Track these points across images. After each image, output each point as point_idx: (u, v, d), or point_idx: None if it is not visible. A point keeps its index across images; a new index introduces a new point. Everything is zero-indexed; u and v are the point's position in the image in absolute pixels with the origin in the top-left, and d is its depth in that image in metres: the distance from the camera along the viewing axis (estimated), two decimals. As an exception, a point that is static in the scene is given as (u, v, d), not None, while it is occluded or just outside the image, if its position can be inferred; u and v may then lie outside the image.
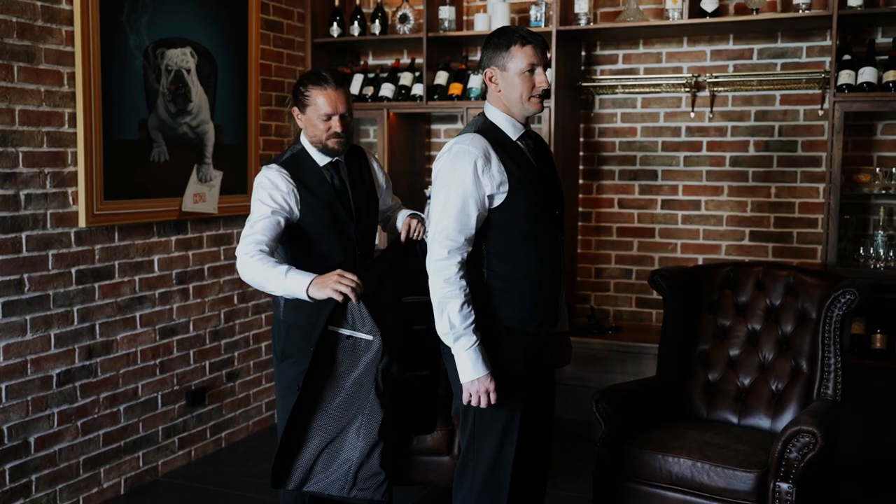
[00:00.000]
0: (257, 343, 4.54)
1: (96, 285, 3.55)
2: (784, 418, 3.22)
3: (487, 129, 2.45)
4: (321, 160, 2.74)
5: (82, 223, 3.43)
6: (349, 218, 2.75)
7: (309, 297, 2.36)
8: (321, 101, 2.65)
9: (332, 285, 2.31)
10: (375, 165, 2.94)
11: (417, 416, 2.80)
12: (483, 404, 2.36)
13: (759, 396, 3.32)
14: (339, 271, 2.35)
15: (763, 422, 3.27)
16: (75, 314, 3.46)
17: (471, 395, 2.36)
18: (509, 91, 2.44)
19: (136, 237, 3.73)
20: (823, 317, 3.20)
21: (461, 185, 2.35)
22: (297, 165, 2.71)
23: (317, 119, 2.67)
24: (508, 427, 2.41)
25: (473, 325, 2.35)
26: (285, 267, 2.41)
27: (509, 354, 2.43)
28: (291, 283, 2.38)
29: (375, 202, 2.89)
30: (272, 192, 2.61)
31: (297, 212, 2.65)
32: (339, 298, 2.32)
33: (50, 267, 3.34)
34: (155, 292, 3.85)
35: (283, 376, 2.77)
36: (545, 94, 2.48)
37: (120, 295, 3.66)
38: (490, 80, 2.47)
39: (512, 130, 2.48)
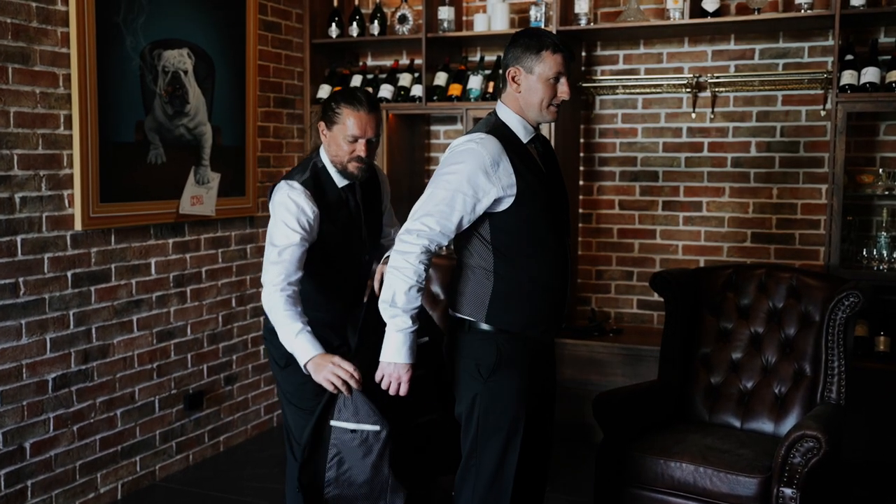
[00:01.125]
0: (256, 346, 4.50)
1: (92, 289, 3.51)
2: (787, 422, 3.19)
3: (499, 130, 2.41)
4: (339, 181, 2.67)
5: (78, 226, 3.40)
6: (361, 243, 2.71)
7: (305, 369, 2.41)
8: (351, 121, 2.56)
9: (327, 374, 2.35)
10: (386, 188, 2.89)
11: (438, 458, 2.70)
12: (392, 391, 2.36)
13: (761, 400, 3.28)
14: (336, 359, 2.36)
15: (766, 426, 3.24)
16: (71, 318, 3.43)
17: (383, 376, 2.36)
18: (530, 95, 2.40)
19: (132, 240, 3.69)
20: (827, 320, 3.16)
21: (457, 180, 2.31)
22: (318, 185, 2.62)
23: (342, 139, 2.58)
24: (512, 432, 2.38)
25: (415, 312, 2.33)
26: (300, 326, 2.42)
27: (513, 360, 2.39)
28: (297, 346, 2.42)
29: (381, 225, 2.86)
30: (300, 218, 2.53)
31: (315, 235, 2.59)
32: (332, 389, 2.36)
33: (45, 270, 3.31)
34: (152, 295, 3.82)
35: (289, 382, 2.69)
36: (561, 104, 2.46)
37: (116, 298, 3.63)
38: (512, 79, 2.42)
39: (523, 133, 2.44)
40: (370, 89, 4.68)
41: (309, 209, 2.55)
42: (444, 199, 2.32)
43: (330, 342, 2.60)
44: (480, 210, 2.34)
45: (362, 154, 2.59)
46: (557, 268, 2.45)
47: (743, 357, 3.38)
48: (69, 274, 3.41)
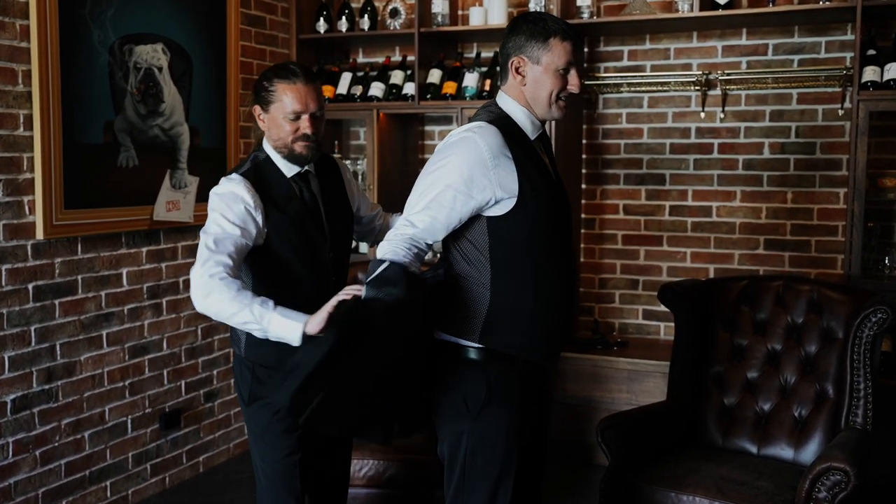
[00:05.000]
0: (238, 360, 4.25)
1: (56, 302, 3.26)
2: (808, 448, 2.93)
3: (502, 121, 2.12)
4: (288, 170, 2.37)
5: (40, 235, 3.14)
6: (322, 238, 2.41)
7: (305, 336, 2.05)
8: (288, 97, 2.29)
9: (326, 306, 2.03)
10: (348, 175, 2.60)
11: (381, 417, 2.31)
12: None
13: (780, 424, 3.02)
14: (330, 302, 2.06)
15: (785, 452, 2.98)
16: (32, 334, 3.17)
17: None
18: (537, 88, 2.13)
19: (101, 249, 3.44)
20: (852, 337, 2.90)
21: (448, 175, 2.04)
22: (261, 177, 2.33)
23: (282, 119, 2.31)
24: (504, 475, 2.10)
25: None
26: (260, 299, 2.10)
27: (504, 393, 2.11)
28: (276, 324, 2.07)
29: (350, 219, 2.56)
30: (236, 207, 2.23)
31: (262, 232, 2.30)
32: (344, 297, 2.03)
33: (3, 283, 3.05)
34: (123, 308, 3.56)
35: (256, 420, 2.41)
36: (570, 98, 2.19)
37: (83, 312, 3.37)
38: (516, 70, 2.14)
39: (530, 128, 2.17)
40: (360, 87, 4.44)
41: (249, 198, 2.25)
42: (433, 196, 2.04)
43: None
44: (472, 210, 2.06)
45: (308, 131, 2.31)
46: (563, 284, 2.17)
47: (759, 376, 3.12)
48: (30, 286, 3.15)
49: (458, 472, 2.13)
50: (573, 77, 2.14)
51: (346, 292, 2.10)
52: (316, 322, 2.05)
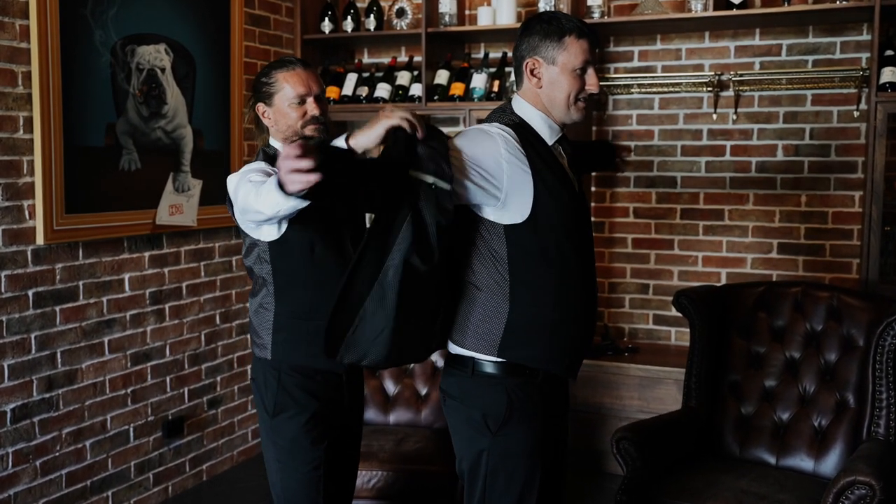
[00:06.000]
0: (242, 366, 4.17)
1: (57, 309, 3.18)
2: (829, 460, 2.86)
3: (518, 128, 2.04)
4: None
5: (40, 240, 3.06)
6: (342, 226, 2.32)
7: (349, 148, 1.87)
8: (290, 82, 2.27)
9: (384, 117, 1.87)
10: None
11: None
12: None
13: (799, 434, 2.95)
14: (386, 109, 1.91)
15: (805, 463, 2.90)
16: (33, 342, 3.10)
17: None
18: (554, 90, 2.05)
19: (103, 254, 3.36)
20: (874, 345, 2.83)
21: (462, 150, 1.93)
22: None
23: (288, 107, 2.28)
24: (527, 491, 2.02)
25: None
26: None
27: (526, 408, 2.03)
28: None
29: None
30: (268, 171, 2.15)
31: (282, 223, 2.19)
32: (405, 125, 1.86)
33: (3, 290, 2.98)
34: (126, 314, 3.48)
35: (281, 433, 2.29)
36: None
37: (85, 319, 3.30)
38: (531, 72, 2.06)
39: (548, 133, 2.08)
40: (366, 89, 4.36)
41: (272, 172, 2.14)
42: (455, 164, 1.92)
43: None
44: (476, 189, 1.93)
45: (315, 112, 2.28)
46: (585, 293, 2.09)
47: (777, 385, 3.05)
48: (30, 293, 3.08)
49: (480, 492, 2.05)
50: (591, 76, 2.06)
51: (403, 117, 1.89)
52: (363, 134, 1.91)
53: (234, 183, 2.18)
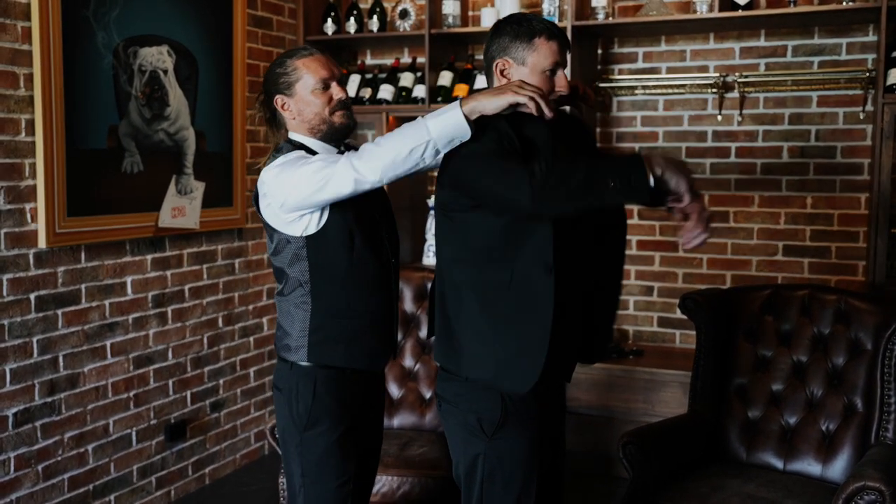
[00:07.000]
0: (245, 369, 4.15)
1: (59, 312, 3.16)
2: (836, 464, 2.84)
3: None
4: (328, 152, 2.20)
5: (42, 243, 3.05)
6: (377, 216, 2.25)
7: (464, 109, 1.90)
8: (311, 69, 2.17)
9: (511, 91, 1.89)
10: None
11: None
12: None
13: (806, 438, 2.92)
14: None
15: (812, 468, 2.88)
16: (35, 345, 3.08)
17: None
18: None
19: (105, 257, 3.34)
20: (883, 349, 2.81)
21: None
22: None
23: (311, 94, 2.17)
24: (524, 494, 2.00)
25: None
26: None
27: (522, 411, 2.01)
28: (438, 115, 1.92)
29: (387, 197, 2.38)
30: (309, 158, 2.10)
31: (324, 213, 2.13)
32: (531, 106, 1.88)
33: (5, 293, 2.96)
34: (128, 318, 3.46)
35: (312, 448, 2.16)
36: (562, 101, 2.09)
37: (87, 322, 3.28)
38: (501, 73, 2.05)
39: None
40: (369, 90, 4.34)
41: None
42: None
43: (378, 353, 2.25)
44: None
45: (342, 96, 2.20)
46: (576, 298, 2.07)
47: (784, 389, 3.02)
48: (32, 296, 3.06)
49: (476, 496, 2.03)
50: (560, 78, 2.05)
51: (531, 97, 1.92)
52: (488, 98, 1.92)
53: (274, 174, 2.09)
